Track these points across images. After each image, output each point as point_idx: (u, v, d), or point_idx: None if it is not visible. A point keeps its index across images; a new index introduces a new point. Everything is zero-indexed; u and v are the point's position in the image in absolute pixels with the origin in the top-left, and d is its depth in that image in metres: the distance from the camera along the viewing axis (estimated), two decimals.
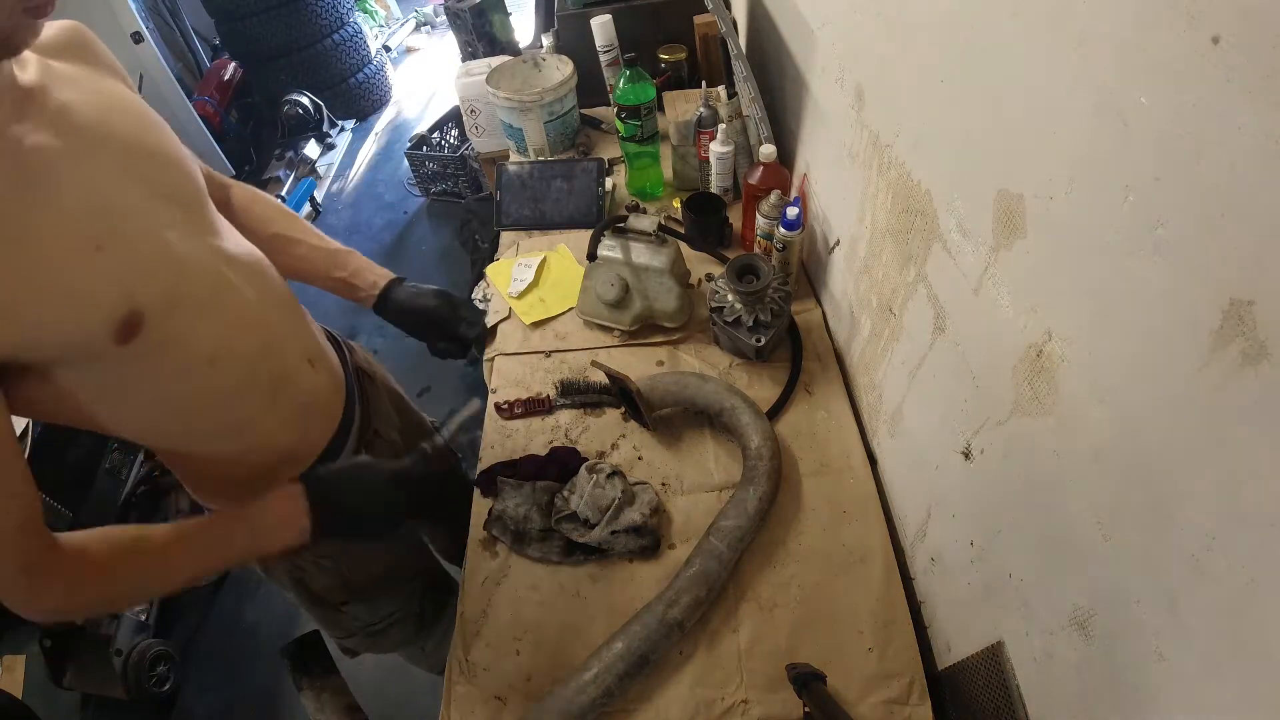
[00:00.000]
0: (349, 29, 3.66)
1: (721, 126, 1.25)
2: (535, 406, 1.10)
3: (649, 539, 0.92)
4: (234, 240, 0.77)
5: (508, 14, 2.48)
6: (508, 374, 1.17)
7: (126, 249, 0.60)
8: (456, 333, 1.01)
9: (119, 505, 1.77)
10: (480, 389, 1.19)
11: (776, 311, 1.06)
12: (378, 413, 1.02)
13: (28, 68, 0.59)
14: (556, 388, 1.11)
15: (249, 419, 0.76)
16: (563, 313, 1.25)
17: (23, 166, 0.55)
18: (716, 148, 1.28)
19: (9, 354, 0.55)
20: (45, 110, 0.58)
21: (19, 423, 1.56)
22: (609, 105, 1.54)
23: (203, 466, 0.80)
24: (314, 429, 0.86)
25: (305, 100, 3.42)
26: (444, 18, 3.96)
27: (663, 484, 1.00)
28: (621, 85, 1.30)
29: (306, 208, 3.23)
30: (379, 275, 0.99)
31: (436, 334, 1.01)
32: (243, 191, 0.92)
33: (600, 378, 1.05)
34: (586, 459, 1.02)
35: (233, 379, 0.73)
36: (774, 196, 1.11)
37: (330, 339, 0.96)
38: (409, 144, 3.08)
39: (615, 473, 0.96)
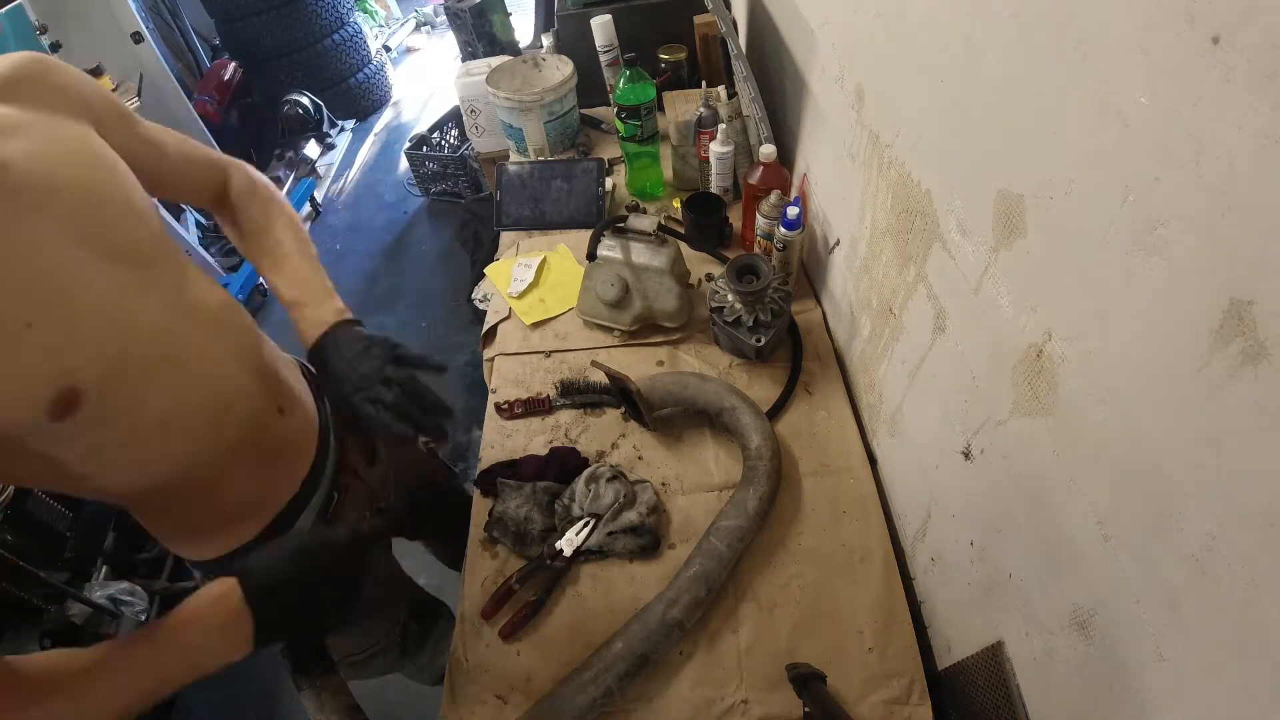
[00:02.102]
0: (349, 29, 3.66)
1: (721, 126, 1.25)
2: (535, 406, 1.10)
3: (648, 539, 0.92)
4: (195, 289, 0.71)
5: (508, 14, 2.49)
6: (508, 374, 1.17)
7: (61, 322, 0.55)
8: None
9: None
10: (481, 389, 1.19)
11: (776, 311, 1.06)
12: (357, 450, 0.97)
13: None
14: (556, 388, 1.11)
15: (211, 473, 0.72)
16: (563, 313, 1.25)
17: None
18: (716, 148, 1.28)
19: None
20: None
21: None
22: (609, 105, 1.54)
23: (166, 515, 0.76)
24: (284, 475, 0.81)
25: (305, 100, 3.42)
26: (444, 18, 3.96)
27: (663, 484, 1.00)
28: (621, 85, 1.30)
29: (306, 208, 3.23)
30: (318, 323, 0.76)
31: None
32: (239, 188, 0.82)
33: (600, 378, 1.05)
34: (586, 459, 1.02)
35: (190, 439, 0.68)
36: (774, 196, 1.11)
37: (307, 375, 0.90)
38: (409, 144, 3.08)
39: (615, 476, 0.96)
